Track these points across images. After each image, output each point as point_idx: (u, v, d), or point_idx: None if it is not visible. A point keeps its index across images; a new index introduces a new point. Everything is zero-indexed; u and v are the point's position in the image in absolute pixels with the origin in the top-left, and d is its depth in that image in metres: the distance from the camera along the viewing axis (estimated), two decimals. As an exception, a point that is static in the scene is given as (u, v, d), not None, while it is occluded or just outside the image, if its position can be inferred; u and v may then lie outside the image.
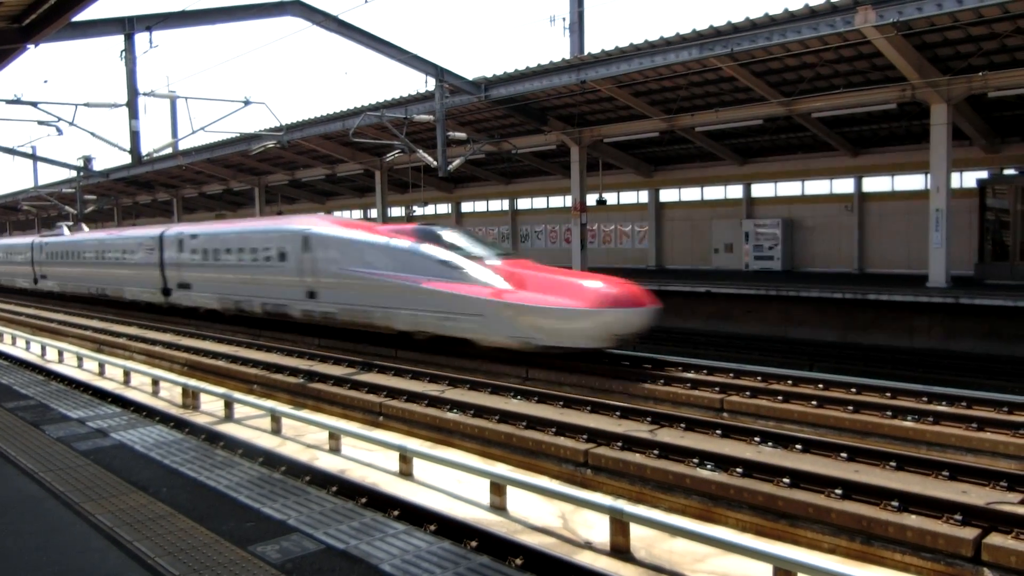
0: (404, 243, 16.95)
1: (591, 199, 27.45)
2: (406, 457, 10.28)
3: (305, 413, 12.91)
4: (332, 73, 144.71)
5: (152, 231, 27.95)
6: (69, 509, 5.80)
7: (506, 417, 11.58)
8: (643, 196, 31.53)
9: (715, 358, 16.45)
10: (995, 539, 6.94)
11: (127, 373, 17.26)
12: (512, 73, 21.37)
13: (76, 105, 19.75)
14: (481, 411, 12.02)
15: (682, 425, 10.80)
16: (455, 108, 23.51)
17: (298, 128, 28.54)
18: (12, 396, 10.34)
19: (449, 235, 17.15)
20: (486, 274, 15.49)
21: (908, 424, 10.57)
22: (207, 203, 50.24)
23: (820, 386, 12.54)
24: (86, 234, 35.52)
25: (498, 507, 8.95)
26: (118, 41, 15.76)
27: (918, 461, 8.83)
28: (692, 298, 21.37)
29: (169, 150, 30.38)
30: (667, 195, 30.95)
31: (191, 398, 14.72)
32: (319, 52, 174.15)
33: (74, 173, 38.07)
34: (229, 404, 13.82)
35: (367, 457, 11.08)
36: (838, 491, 8.02)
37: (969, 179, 22.28)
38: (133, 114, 15.77)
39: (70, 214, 41.02)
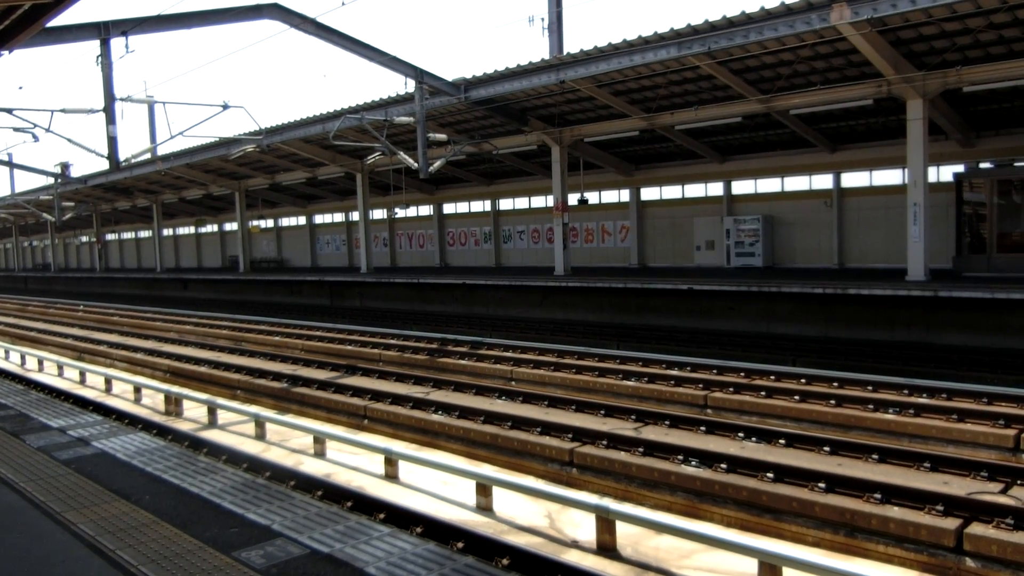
0: None
1: (573, 199, 27.48)
2: (391, 460, 10.26)
3: (289, 418, 12.84)
4: (311, 76, 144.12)
5: None
6: (50, 518, 5.74)
7: (491, 418, 11.59)
8: (624, 195, 31.60)
9: (698, 355, 16.50)
10: (976, 529, 7.03)
11: (108, 381, 17.10)
12: (492, 74, 21.36)
13: (52, 111, 19.58)
14: (466, 412, 12.01)
15: (666, 422, 10.86)
16: (435, 110, 23.48)
17: (278, 132, 28.39)
18: (-9, 406, 10.20)
19: None
20: None
21: (890, 417, 10.66)
22: (187, 208, 49.91)
23: (803, 380, 12.65)
24: None
25: (484, 508, 8.95)
26: (94, 46, 15.63)
27: (900, 453, 8.93)
28: (674, 296, 21.45)
29: (148, 155, 30.17)
30: (648, 193, 31.04)
31: (174, 405, 14.61)
32: (297, 55, 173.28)
33: (52, 180, 37.75)
34: (212, 410, 13.73)
35: (352, 461, 11.04)
36: (821, 485, 8.09)
37: (946, 173, 22.49)
38: (110, 120, 15.64)
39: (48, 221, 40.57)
